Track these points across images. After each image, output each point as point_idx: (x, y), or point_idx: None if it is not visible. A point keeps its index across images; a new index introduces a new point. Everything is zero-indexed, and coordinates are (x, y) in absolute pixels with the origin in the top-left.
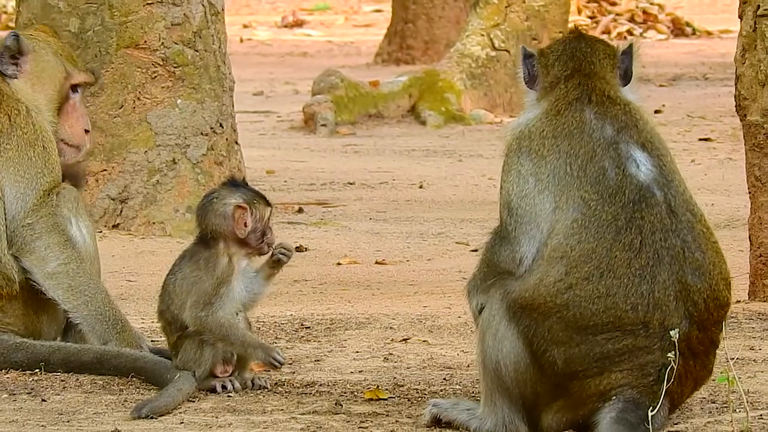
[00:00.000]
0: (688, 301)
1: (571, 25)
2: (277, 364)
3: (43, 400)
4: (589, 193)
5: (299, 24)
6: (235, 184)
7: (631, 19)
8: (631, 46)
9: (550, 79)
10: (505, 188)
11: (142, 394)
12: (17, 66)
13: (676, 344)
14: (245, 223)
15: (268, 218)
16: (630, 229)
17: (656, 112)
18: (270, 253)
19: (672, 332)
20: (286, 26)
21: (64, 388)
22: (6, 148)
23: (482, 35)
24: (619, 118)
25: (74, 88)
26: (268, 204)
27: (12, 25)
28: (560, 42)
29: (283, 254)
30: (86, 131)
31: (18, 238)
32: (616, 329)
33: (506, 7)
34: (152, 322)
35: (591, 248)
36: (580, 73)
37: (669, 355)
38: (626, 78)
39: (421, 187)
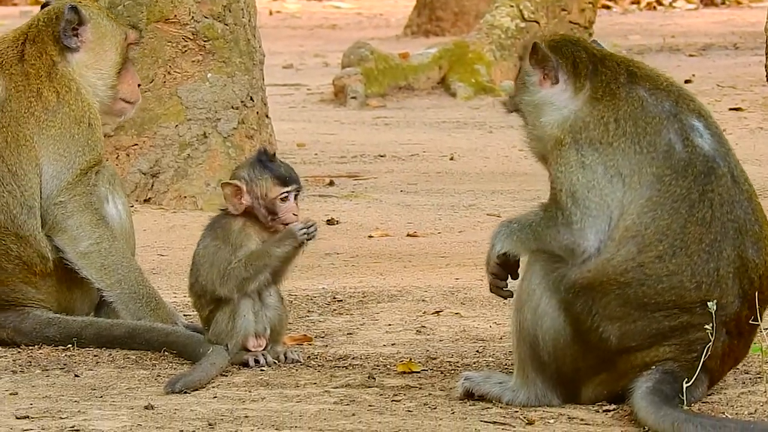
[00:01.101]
0: (744, 279)
1: None
2: (311, 233)
3: (76, 376)
4: (662, 169)
5: None
6: (260, 158)
7: None
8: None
9: (580, 68)
10: (568, 179)
11: (174, 368)
12: (78, 37)
13: (714, 316)
14: (240, 200)
15: (280, 197)
16: (703, 203)
17: (686, 81)
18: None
19: (710, 304)
20: None
21: (97, 363)
22: (50, 126)
23: (511, 6)
24: (670, 90)
25: (129, 47)
26: (281, 183)
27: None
28: (556, 38)
29: (305, 236)
30: (138, 85)
31: (50, 216)
32: (675, 307)
33: None
34: (184, 296)
35: (666, 225)
36: (607, 56)
37: (706, 327)
38: None
39: (451, 158)
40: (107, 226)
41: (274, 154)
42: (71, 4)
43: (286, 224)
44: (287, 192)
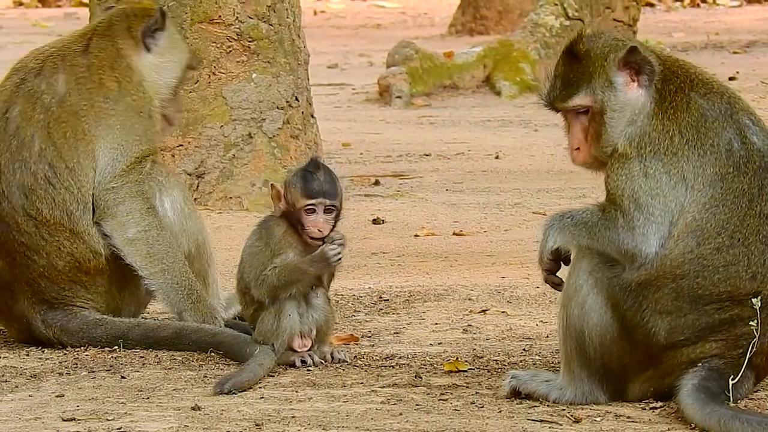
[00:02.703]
0: None
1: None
2: (336, 257)
3: (123, 377)
4: (725, 168)
5: None
6: (307, 167)
7: None
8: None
9: (657, 77)
10: (630, 186)
11: (221, 369)
12: (154, 40)
13: (758, 312)
14: (279, 203)
15: (305, 209)
16: (762, 197)
17: (730, 79)
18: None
19: (754, 300)
20: None
21: (143, 364)
22: (109, 114)
23: (556, 4)
24: (722, 92)
25: (189, 69)
26: (306, 195)
27: (86, 1)
28: (631, 41)
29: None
30: (179, 112)
31: (101, 201)
32: (728, 299)
33: None
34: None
35: (726, 219)
36: (668, 63)
37: (751, 323)
38: None
39: (497, 157)
40: (156, 215)
41: (320, 166)
42: (161, 8)
43: (312, 238)
44: (312, 205)
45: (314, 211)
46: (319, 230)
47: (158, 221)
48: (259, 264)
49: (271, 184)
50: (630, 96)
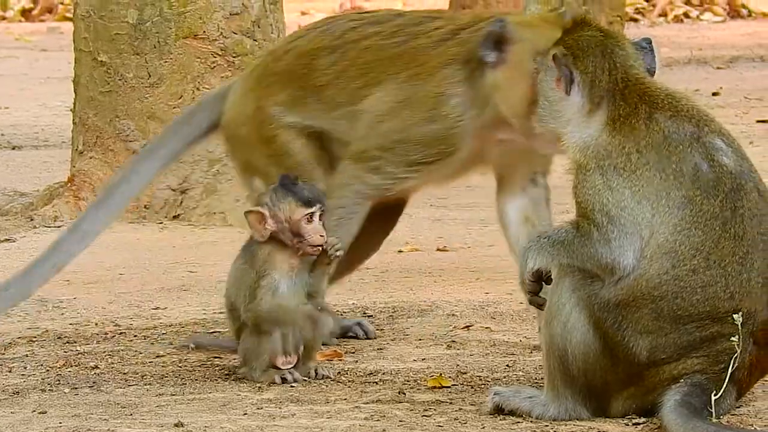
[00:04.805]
0: None
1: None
2: (329, 338)
3: (106, 394)
4: (691, 191)
5: (356, 10)
6: (282, 183)
7: (687, 2)
8: (650, 41)
9: (597, 85)
10: (598, 200)
11: (205, 385)
12: (500, 54)
13: (740, 328)
14: (265, 226)
15: (306, 218)
16: (735, 219)
17: (714, 94)
18: (318, 252)
19: (735, 316)
20: (343, 13)
21: (126, 381)
22: None
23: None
24: (689, 112)
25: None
26: (304, 205)
27: (69, 15)
28: (586, 40)
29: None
30: None
31: None
32: (708, 317)
33: None
34: (214, 313)
35: (700, 241)
36: (626, 77)
37: (732, 339)
38: (650, 72)
39: (484, 173)
40: None
41: (297, 177)
42: (502, 18)
43: (314, 245)
44: (311, 212)
45: (312, 219)
46: (320, 236)
47: None
48: (245, 287)
49: (248, 211)
50: (556, 95)
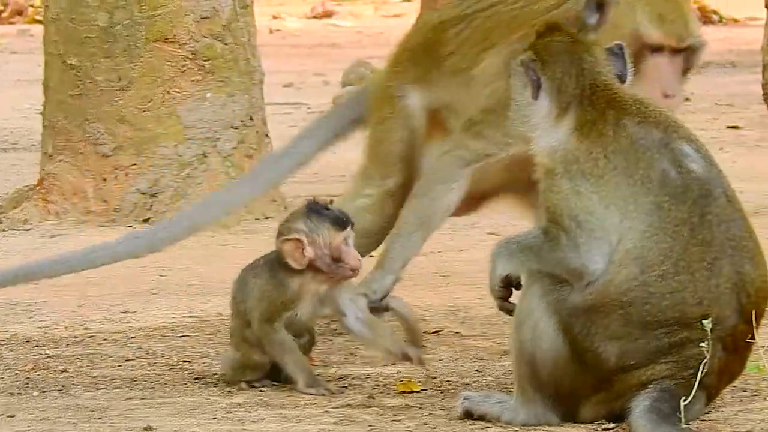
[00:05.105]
0: (742, 293)
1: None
2: (322, 393)
3: (74, 397)
4: (659, 197)
5: (328, 14)
6: (311, 207)
7: None
8: (622, 47)
9: (564, 91)
10: (566, 205)
11: (174, 388)
12: (601, 16)
13: (709, 333)
14: (303, 253)
15: (344, 242)
16: (703, 225)
17: (686, 100)
18: (357, 275)
19: (705, 321)
20: (315, 17)
21: (94, 384)
22: None
23: None
24: (657, 118)
25: (650, 49)
26: (341, 227)
27: (40, 18)
28: (555, 45)
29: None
30: (666, 96)
31: None
32: (677, 323)
33: None
34: (183, 317)
35: (668, 247)
36: (594, 82)
37: (702, 345)
38: (621, 79)
39: None
40: None
41: (322, 202)
42: None
43: (354, 269)
44: (347, 236)
45: (347, 242)
46: (357, 258)
47: None
48: (266, 309)
49: (285, 240)
50: (524, 100)
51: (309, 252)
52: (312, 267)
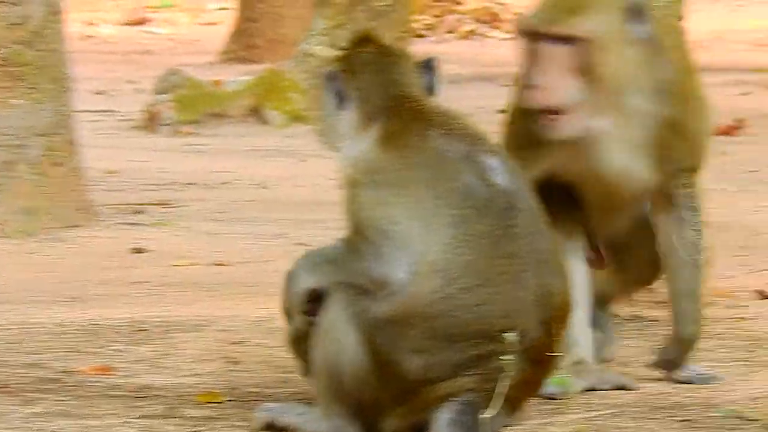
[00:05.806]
0: (547, 306)
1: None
2: None
3: None
4: (463, 209)
5: (143, 21)
6: None
7: (477, 19)
8: (432, 60)
9: (370, 102)
10: (371, 216)
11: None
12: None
13: (513, 346)
14: None
15: None
16: (507, 237)
17: (501, 111)
18: None
19: (508, 335)
20: (129, 23)
21: None
22: None
23: (326, 35)
24: (462, 131)
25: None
26: None
27: None
28: (362, 56)
29: None
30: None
31: None
32: (483, 336)
33: (350, 6)
34: None
35: (472, 260)
36: (401, 94)
37: (504, 358)
38: (430, 91)
39: (264, 187)
40: None
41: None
42: None
43: None
44: None
45: None
46: None
47: None
48: None
49: None
50: (332, 111)
51: None
52: None
